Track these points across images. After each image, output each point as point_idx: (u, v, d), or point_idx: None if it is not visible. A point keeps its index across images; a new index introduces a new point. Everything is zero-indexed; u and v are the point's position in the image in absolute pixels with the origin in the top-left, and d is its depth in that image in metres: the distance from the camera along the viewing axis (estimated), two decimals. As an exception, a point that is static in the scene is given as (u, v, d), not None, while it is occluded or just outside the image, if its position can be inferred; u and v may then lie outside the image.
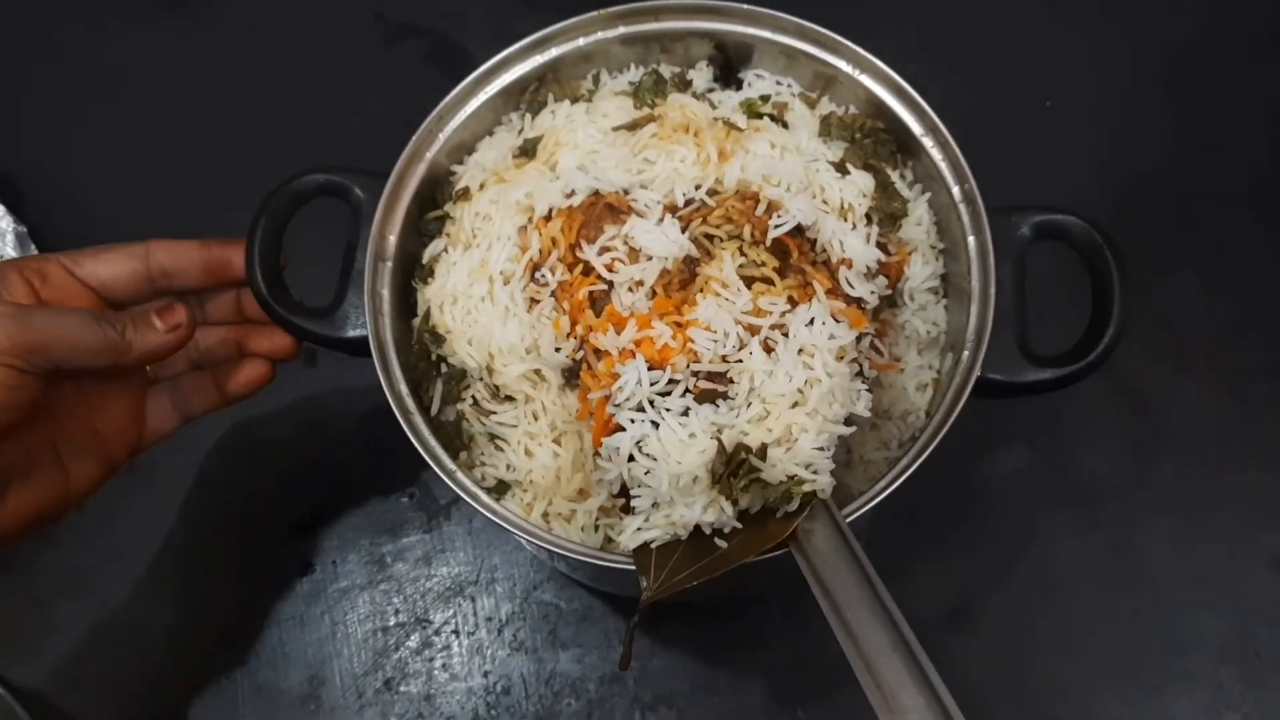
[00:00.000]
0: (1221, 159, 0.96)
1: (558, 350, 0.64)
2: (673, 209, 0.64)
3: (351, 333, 0.69)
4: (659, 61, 0.77)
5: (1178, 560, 0.83)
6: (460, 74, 0.73)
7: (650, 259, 0.62)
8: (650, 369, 0.60)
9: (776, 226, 0.63)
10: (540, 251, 0.65)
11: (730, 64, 0.77)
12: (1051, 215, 0.68)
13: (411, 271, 0.73)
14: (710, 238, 0.63)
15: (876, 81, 0.72)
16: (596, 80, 0.77)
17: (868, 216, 0.68)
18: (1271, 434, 0.86)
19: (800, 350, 0.59)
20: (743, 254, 0.62)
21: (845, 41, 0.72)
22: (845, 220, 0.67)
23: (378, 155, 0.72)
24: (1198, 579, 0.82)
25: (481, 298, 0.68)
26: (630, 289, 0.62)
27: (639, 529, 0.61)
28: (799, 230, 0.63)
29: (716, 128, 0.69)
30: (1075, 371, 0.65)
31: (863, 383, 0.63)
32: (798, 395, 0.59)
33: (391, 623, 0.84)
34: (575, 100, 0.75)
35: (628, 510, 0.63)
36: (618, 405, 0.60)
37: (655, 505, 0.61)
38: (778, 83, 0.76)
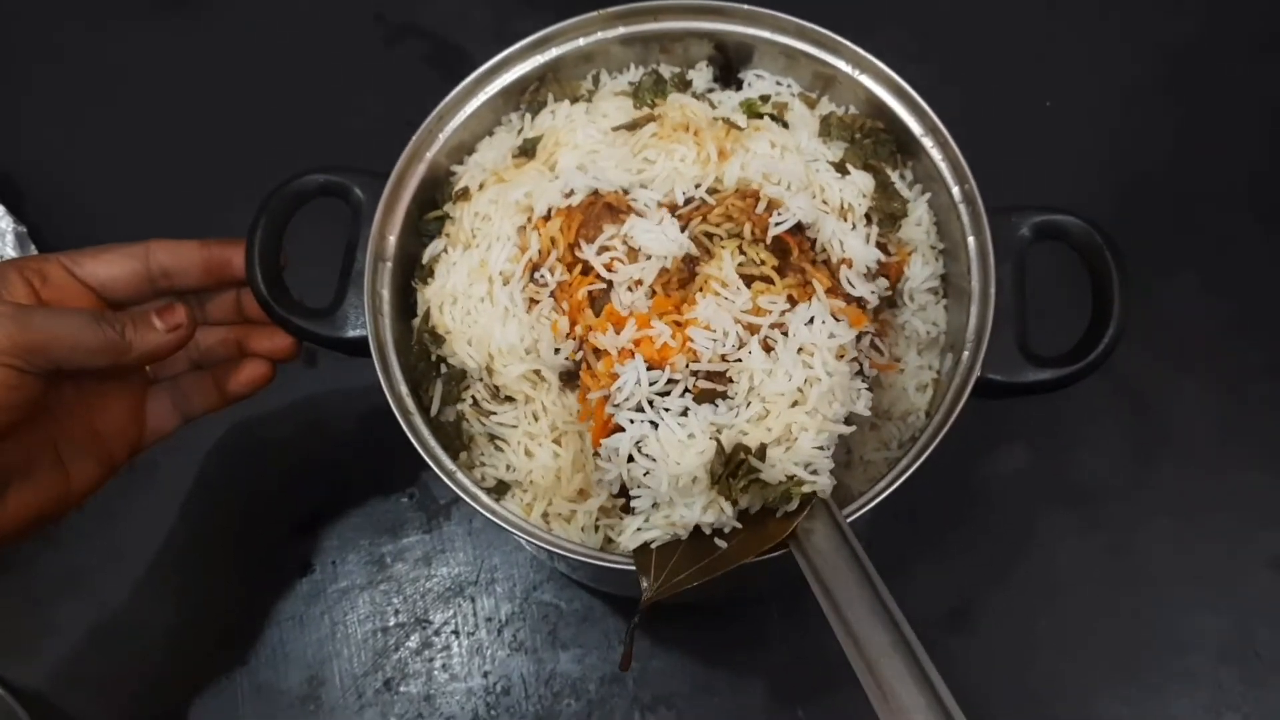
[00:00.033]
0: (1221, 159, 0.96)
1: (556, 351, 0.64)
2: (672, 208, 0.64)
3: (351, 333, 0.69)
4: (659, 62, 0.77)
5: (1178, 560, 0.83)
6: (460, 74, 0.73)
7: (649, 258, 0.62)
8: (649, 369, 0.59)
9: (777, 224, 0.63)
10: (539, 251, 0.65)
11: (730, 64, 0.77)
12: (1051, 215, 0.68)
13: (411, 272, 0.73)
14: (710, 236, 0.63)
15: (876, 82, 0.72)
16: (596, 80, 0.77)
17: (867, 217, 0.68)
18: (1271, 434, 0.86)
19: (800, 349, 0.59)
20: (742, 252, 0.62)
21: (845, 42, 0.72)
22: (845, 220, 0.67)
23: (378, 155, 0.72)
24: (1198, 579, 0.82)
25: (481, 298, 0.68)
26: (629, 288, 0.62)
27: (639, 529, 0.61)
28: (799, 228, 0.63)
29: (716, 127, 0.69)
30: (1075, 372, 0.65)
31: (863, 382, 0.63)
32: (797, 394, 0.59)
33: (391, 623, 0.84)
34: (575, 100, 0.75)
35: (628, 510, 0.63)
36: (617, 405, 0.60)
37: (655, 506, 0.61)
38: (778, 83, 0.76)
